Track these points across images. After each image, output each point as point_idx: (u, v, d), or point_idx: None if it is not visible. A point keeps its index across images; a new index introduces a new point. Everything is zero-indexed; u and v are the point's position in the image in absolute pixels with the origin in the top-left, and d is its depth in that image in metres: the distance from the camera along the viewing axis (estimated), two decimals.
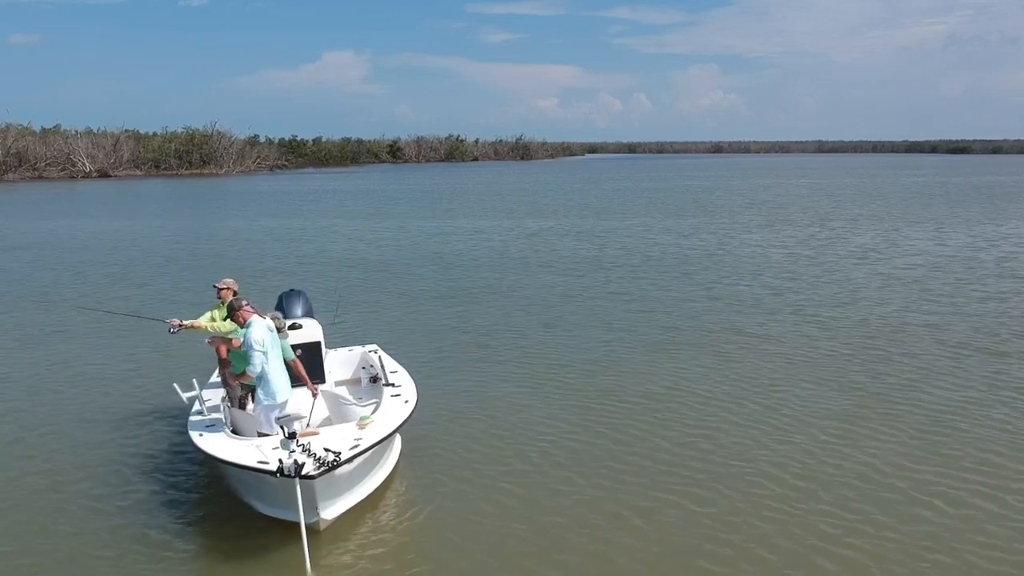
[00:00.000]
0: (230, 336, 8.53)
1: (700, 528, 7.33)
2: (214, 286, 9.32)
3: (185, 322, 8.87)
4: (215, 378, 9.51)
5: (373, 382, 9.74)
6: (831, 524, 7.36)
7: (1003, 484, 8.18)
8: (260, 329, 7.84)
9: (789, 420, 10.13)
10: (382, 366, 9.60)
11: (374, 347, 10.64)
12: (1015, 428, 9.75)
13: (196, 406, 8.48)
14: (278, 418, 7.85)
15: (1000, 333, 14.42)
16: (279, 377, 7.98)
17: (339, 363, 10.23)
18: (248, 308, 7.99)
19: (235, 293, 9.09)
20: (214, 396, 8.85)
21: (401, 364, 10.08)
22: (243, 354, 8.00)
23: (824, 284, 19.48)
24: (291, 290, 10.28)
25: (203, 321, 8.96)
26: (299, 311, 9.88)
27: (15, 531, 7.44)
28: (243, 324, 7.96)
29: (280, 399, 7.95)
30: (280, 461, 6.57)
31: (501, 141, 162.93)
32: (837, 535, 7.16)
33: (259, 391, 7.97)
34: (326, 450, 6.80)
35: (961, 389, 11.25)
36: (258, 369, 7.79)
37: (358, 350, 10.62)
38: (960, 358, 12.78)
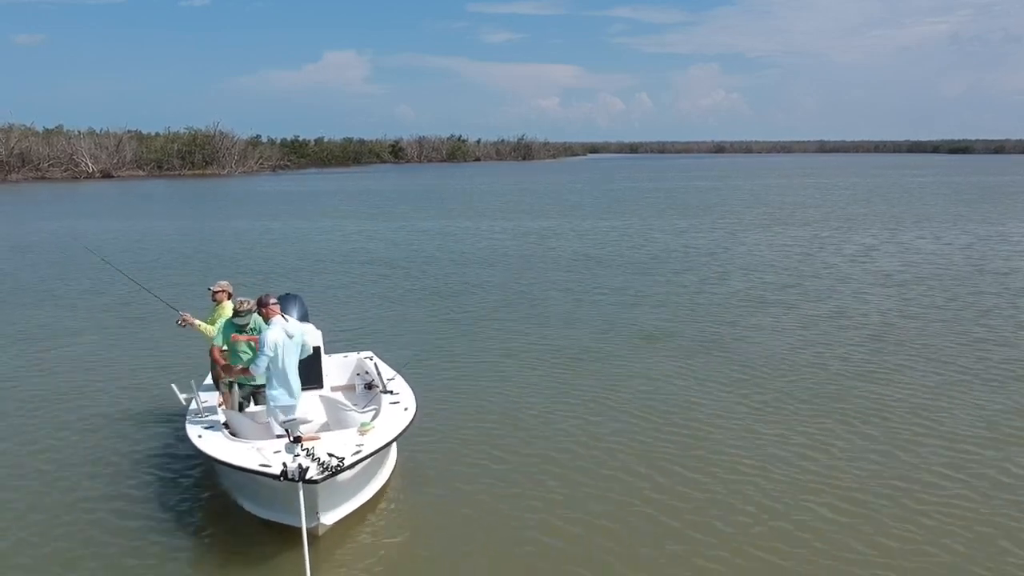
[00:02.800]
0: (214, 338, 8.79)
1: (701, 528, 7.32)
2: (209, 289, 9.47)
3: (194, 321, 9.19)
4: (210, 380, 9.53)
5: (368, 388, 9.74)
6: (821, 508, 7.42)
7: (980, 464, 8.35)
8: (277, 332, 7.92)
9: (780, 407, 10.45)
10: (378, 372, 9.60)
11: (369, 353, 10.62)
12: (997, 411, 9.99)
13: (193, 407, 8.50)
14: (284, 421, 7.89)
15: (991, 327, 14.55)
16: (290, 381, 8.02)
17: (334, 368, 10.17)
18: (274, 306, 8.11)
19: (229, 295, 9.21)
20: (211, 398, 8.86)
21: (397, 367, 10.07)
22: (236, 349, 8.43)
23: (826, 281, 19.48)
24: (287, 294, 10.22)
25: (204, 326, 9.16)
26: (295, 315, 9.86)
27: (10, 533, 7.43)
28: (267, 319, 8.07)
29: (287, 402, 7.99)
30: (284, 465, 6.60)
31: (503, 141, 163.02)
32: (828, 518, 7.21)
33: (269, 391, 8.03)
34: (329, 455, 6.81)
35: (947, 376, 11.50)
36: (260, 371, 7.88)
37: (353, 356, 10.60)
38: (953, 351, 12.87)
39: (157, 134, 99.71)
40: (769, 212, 40.60)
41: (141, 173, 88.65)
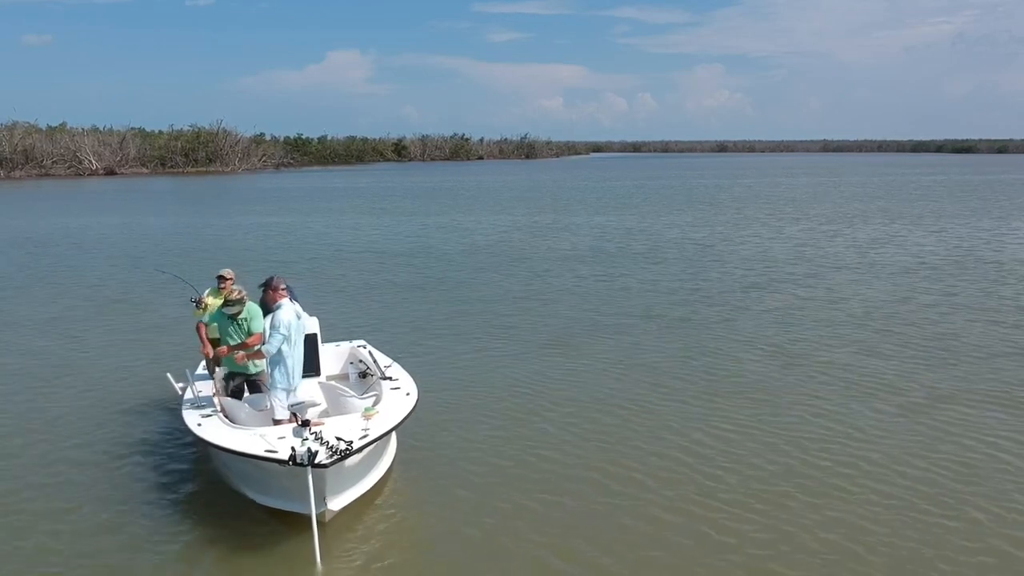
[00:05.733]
0: (203, 319, 8.91)
1: (702, 525, 7.26)
2: (219, 275, 9.51)
3: (205, 301, 9.44)
4: (202, 369, 9.48)
5: (362, 377, 9.70)
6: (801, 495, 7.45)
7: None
8: (289, 312, 7.94)
9: (766, 398, 10.54)
10: (374, 360, 9.57)
11: (362, 342, 10.59)
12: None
13: (188, 395, 8.45)
14: (292, 405, 7.86)
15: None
16: (296, 364, 8.02)
17: (327, 357, 10.11)
18: (283, 290, 8.12)
19: (232, 282, 9.26)
20: (206, 386, 8.80)
21: (394, 355, 10.04)
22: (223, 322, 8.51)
23: (830, 270, 19.49)
24: None
25: (211, 304, 9.27)
26: None
27: (9, 529, 7.28)
28: (273, 303, 8.03)
29: (294, 384, 8.00)
30: (292, 449, 6.54)
31: (506, 140, 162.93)
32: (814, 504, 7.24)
33: (275, 373, 7.99)
34: (338, 438, 6.77)
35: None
36: (274, 349, 7.85)
37: (346, 345, 10.56)
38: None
39: (161, 132, 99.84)
40: (777, 208, 40.48)
41: (144, 171, 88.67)
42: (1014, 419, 9.77)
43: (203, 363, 9.49)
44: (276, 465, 6.63)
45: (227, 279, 9.29)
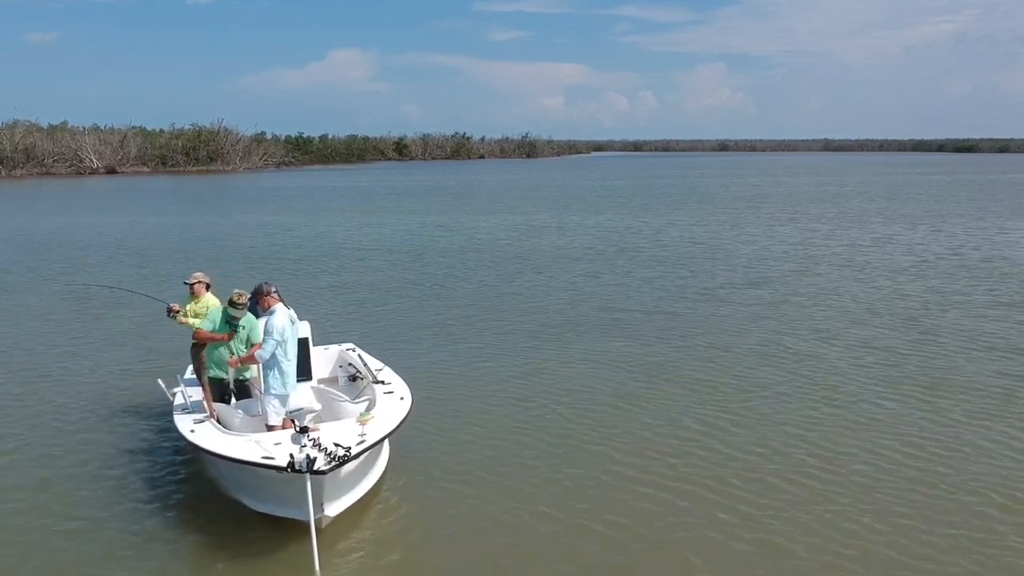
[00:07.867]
0: (196, 325, 8.58)
1: (692, 525, 7.18)
2: (185, 283, 9.32)
3: (179, 314, 9.07)
4: (190, 373, 9.25)
5: (352, 380, 9.60)
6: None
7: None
8: (282, 317, 7.83)
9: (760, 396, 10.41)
10: (364, 364, 9.47)
11: (351, 345, 10.47)
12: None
13: (180, 400, 8.34)
14: (291, 411, 7.77)
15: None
16: (290, 370, 7.93)
17: (316, 362, 9.97)
18: (275, 295, 7.98)
19: (208, 286, 9.14)
20: (196, 392, 8.61)
21: (390, 355, 9.97)
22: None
23: (827, 266, 19.46)
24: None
25: (188, 318, 8.97)
26: None
27: (7, 539, 7.13)
28: (266, 309, 7.92)
29: (289, 390, 7.91)
30: (290, 456, 6.46)
31: (507, 139, 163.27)
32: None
33: (270, 379, 7.89)
34: (335, 444, 6.70)
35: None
36: (268, 355, 7.75)
37: (335, 348, 10.44)
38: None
39: (161, 131, 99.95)
40: (779, 207, 40.41)
41: (145, 170, 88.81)
42: (1001, 408, 10.11)
43: (190, 368, 9.34)
44: (273, 472, 6.56)
45: (193, 284, 9.12)
